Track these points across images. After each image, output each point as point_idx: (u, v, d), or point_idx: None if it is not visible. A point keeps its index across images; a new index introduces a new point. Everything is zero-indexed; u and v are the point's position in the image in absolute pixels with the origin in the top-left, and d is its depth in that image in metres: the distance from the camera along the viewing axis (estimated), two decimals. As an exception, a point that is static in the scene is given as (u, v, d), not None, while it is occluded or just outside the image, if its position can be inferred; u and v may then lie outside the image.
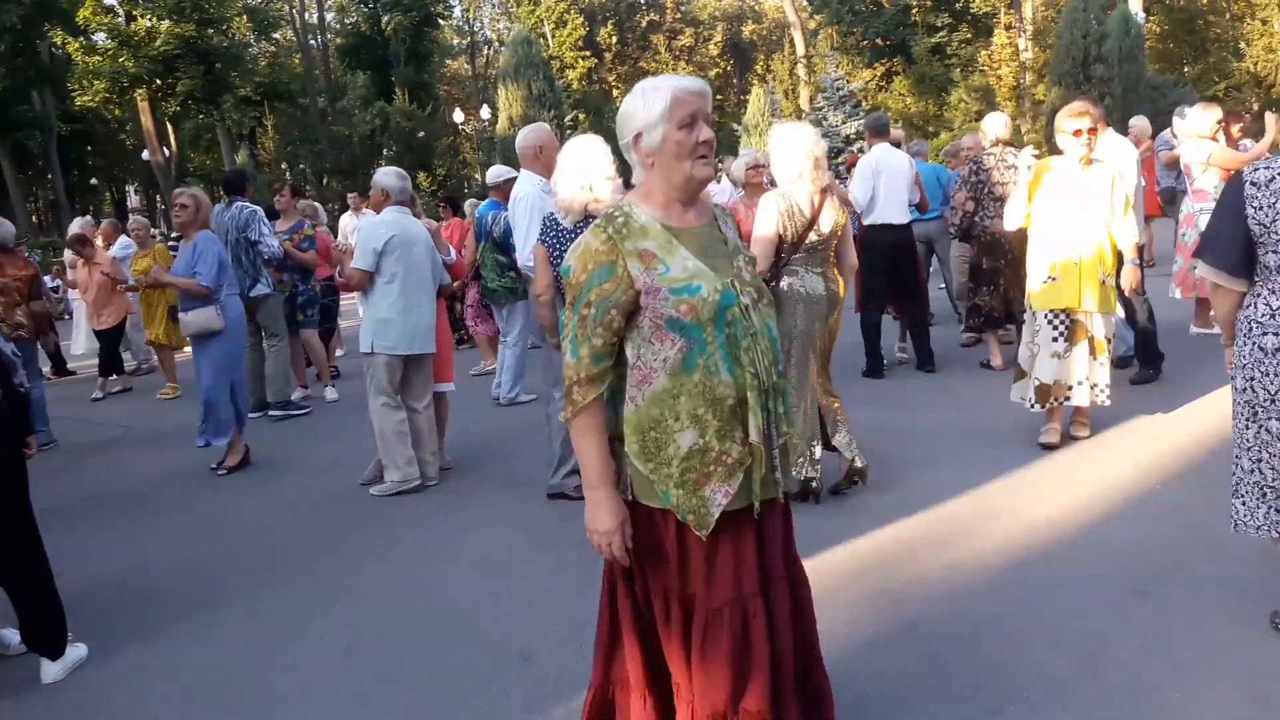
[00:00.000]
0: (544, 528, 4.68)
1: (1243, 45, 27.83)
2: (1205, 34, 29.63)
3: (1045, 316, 4.99)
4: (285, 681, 3.40)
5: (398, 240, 5.31)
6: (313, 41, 47.85)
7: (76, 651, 3.63)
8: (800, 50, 36.28)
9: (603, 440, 2.18)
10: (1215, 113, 6.86)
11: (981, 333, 7.42)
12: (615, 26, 52.85)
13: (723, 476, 2.13)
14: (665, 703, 2.29)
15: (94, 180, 46.82)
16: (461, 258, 9.83)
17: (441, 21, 46.02)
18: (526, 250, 4.80)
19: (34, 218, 38.07)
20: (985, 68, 31.07)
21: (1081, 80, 21.19)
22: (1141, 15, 22.61)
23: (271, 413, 7.89)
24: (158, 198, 49.59)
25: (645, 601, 2.25)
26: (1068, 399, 5.04)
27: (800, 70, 36.10)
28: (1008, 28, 32.24)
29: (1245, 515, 3.00)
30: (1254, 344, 2.84)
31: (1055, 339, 4.99)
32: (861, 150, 11.27)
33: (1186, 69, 23.46)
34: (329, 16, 48.68)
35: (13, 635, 3.71)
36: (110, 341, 10.04)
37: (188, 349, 10.02)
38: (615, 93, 48.81)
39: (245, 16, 34.24)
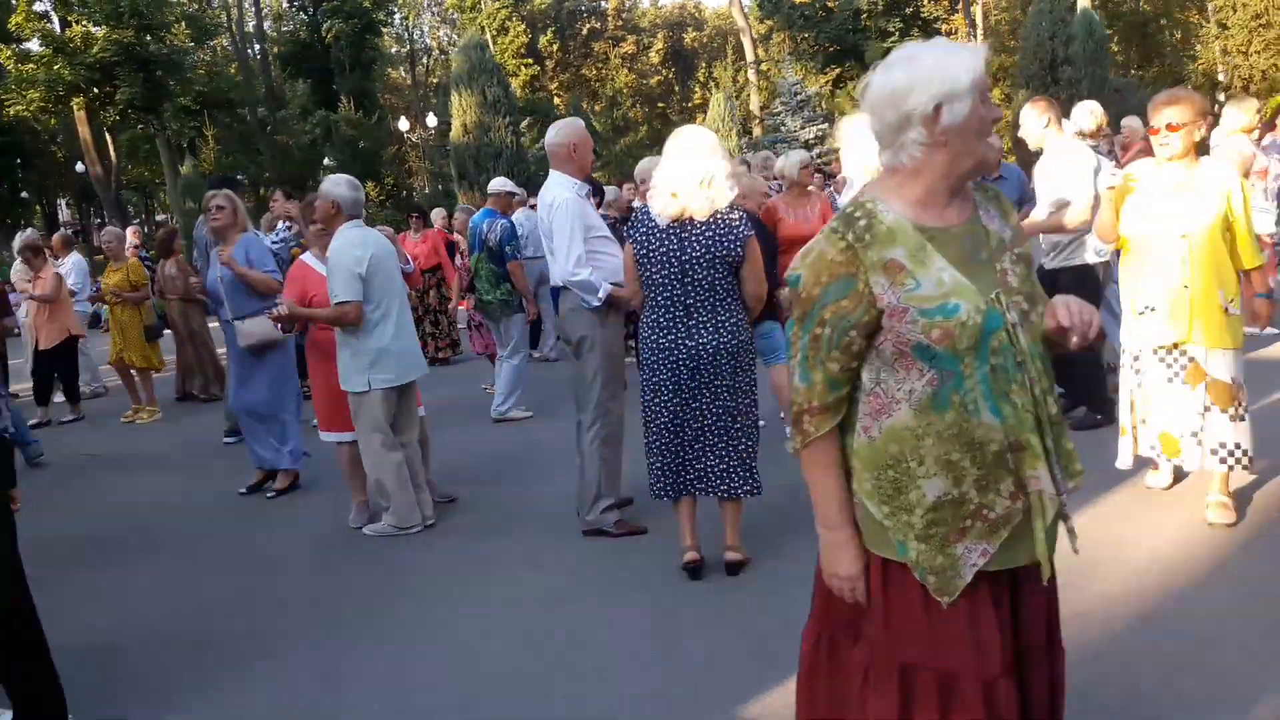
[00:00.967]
0: (586, 571, 4.40)
1: (1198, 48, 28.53)
2: (1158, 38, 30.32)
3: (1151, 354, 4.19)
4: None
5: (376, 259, 4.84)
6: (252, 50, 46.82)
7: None
8: (749, 56, 36.35)
9: (839, 475, 1.90)
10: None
11: None
12: (556, 34, 52.54)
13: (981, 534, 1.81)
14: None
15: (24, 194, 45.20)
16: (454, 269, 9.55)
17: (382, 29, 45.35)
18: (570, 261, 4.50)
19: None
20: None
21: (1049, 83, 21.45)
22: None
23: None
24: (91, 210, 48.13)
25: (860, 664, 1.95)
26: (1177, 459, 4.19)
27: (749, 75, 36.16)
28: (950, 33, 32.67)
29: None
30: None
31: (1170, 379, 4.15)
32: (822, 158, 11.28)
33: (1138, 73, 23.90)
34: (266, 24, 47.68)
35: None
36: (48, 366, 9.23)
37: (159, 373, 9.75)
38: (556, 100, 48.58)
39: (184, 23, 33.24)
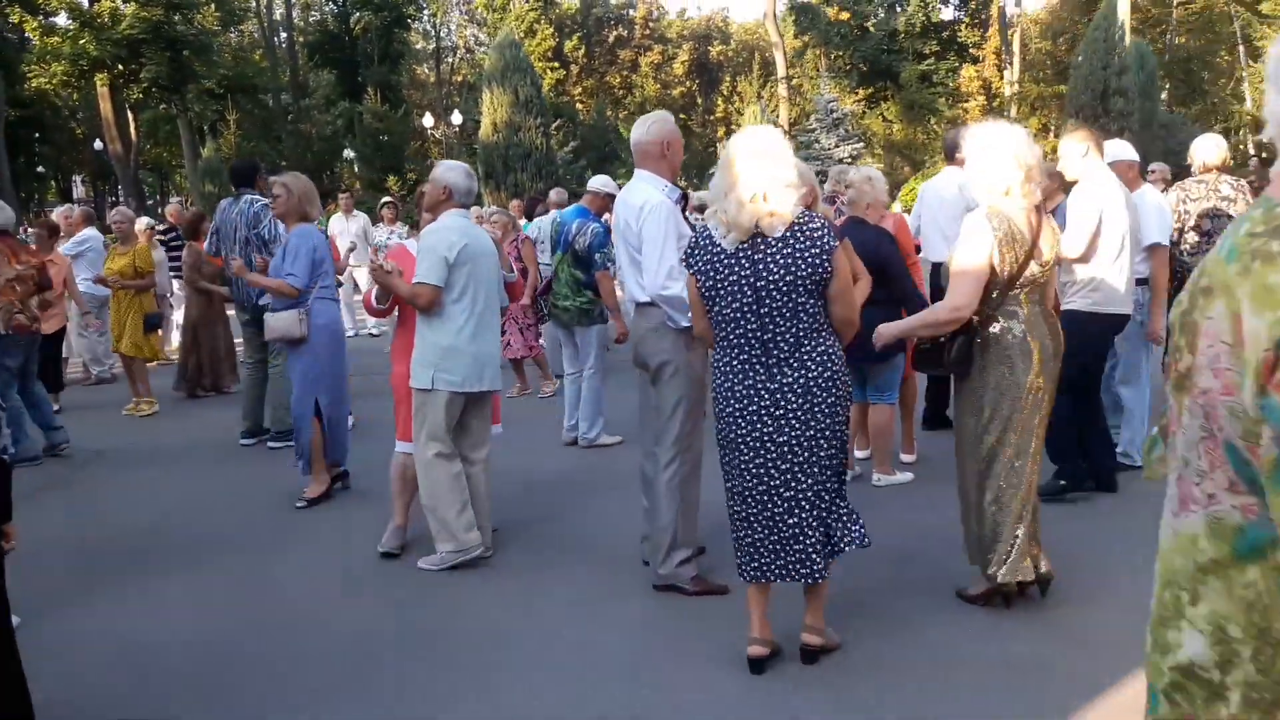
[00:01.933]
0: (652, 637, 3.76)
1: (1245, 88, 27.96)
2: (1201, 74, 29.76)
3: None
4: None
5: (470, 251, 4.43)
6: (278, 38, 46.50)
7: None
8: (781, 71, 35.86)
9: None
10: None
11: None
12: (582, 40, 52.25)
13: None
14: None
15: (41, 169, 44.87)
16: (522, 279, 8.99)
17: (411, 24, 45.02)
18: (663, 274, 3.89)
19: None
20: (967, 96, 30.98)
21: (1100, 113, 20.89)
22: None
23: (270, 443, 6.96)
24: (106, 188, 47.76)
25: None
26: None
27: (781, 90, 35.67)
28: (976, 61, 32.23)
29: None
30: None
31: None
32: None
33: (1182, 109, 23.37)
34: (295, 13, 47.36)
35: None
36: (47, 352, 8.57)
37: (154, 362, 9.15)
38: (580, 106, 48.17)
39: (213, 5, 32.84)
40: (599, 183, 7.24)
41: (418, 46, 52.44)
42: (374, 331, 12.95)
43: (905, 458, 5.93)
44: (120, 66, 29.64)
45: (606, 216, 6.93)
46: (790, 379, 3.19)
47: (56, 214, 9.57)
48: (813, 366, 3.18)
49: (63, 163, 46.79)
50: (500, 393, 4.88)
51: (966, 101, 31.99)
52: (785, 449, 3.21)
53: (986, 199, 3.55)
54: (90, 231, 10.20)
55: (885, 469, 5.53)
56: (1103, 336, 5.06)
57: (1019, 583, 3.65)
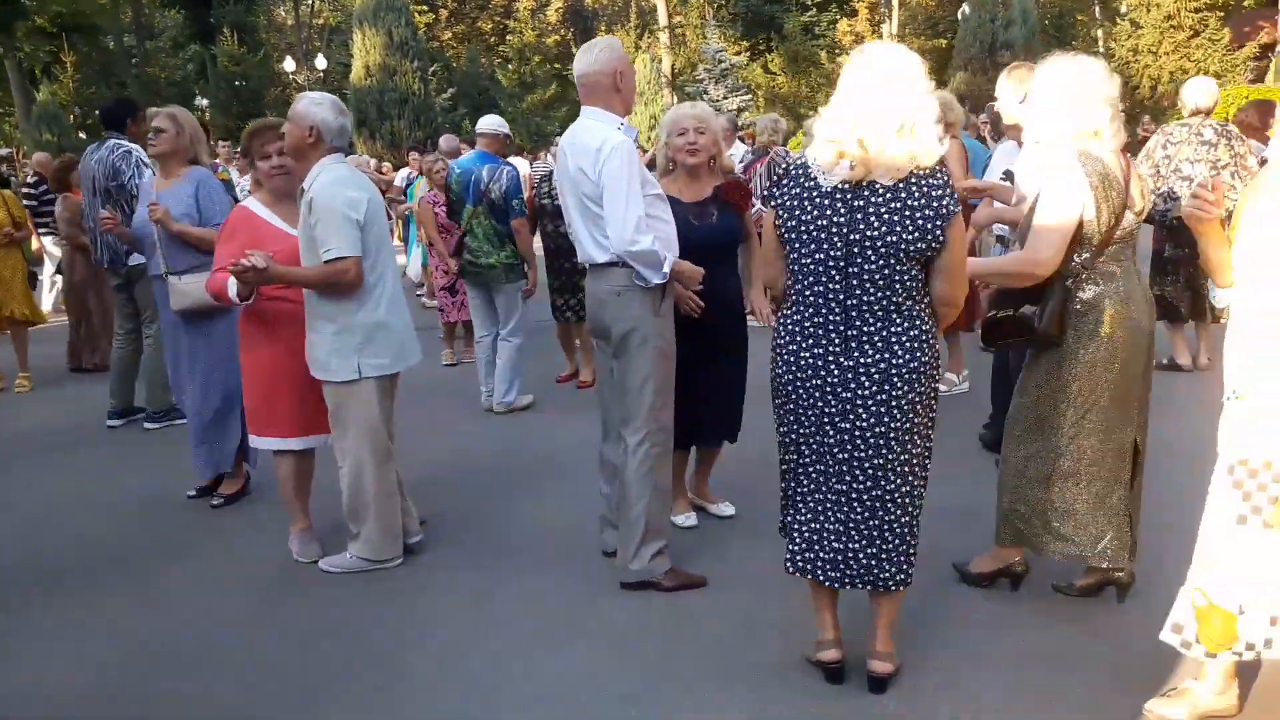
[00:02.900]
0: (639, 646, 3.27)
1: (1112, 44, 28.75)
2: (1074, 32, 30.48)
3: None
4: None
5: (374, 207, 3.74)
6: (118, -29, 42.92)
7: None
8: (663, 20, 35.12)
9: None
10: None
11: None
12: (452, -18, 50.29)
13: None
14: None
15: None
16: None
17: (266, -39, 42.28)
18: (630, 225, 3.37)
19: None
20: (845, 50, 31.01)
21: (988, 66, 20.97)
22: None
23: (147, 424, 6.14)
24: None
25: None
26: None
27: (663, 39, 34.98)
28: (853, 15, 32.32)
29: None
30: None
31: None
32: (744, 128, 10.35)
33: (1053, 63, 23.91)
34: (137, -55, 43.76)
35: None
36: None
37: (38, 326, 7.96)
38: (449, 52, 46.37)
39: (42, -67, 29.87)
40: (493, 123, 6.56)
41: (274, -14, 49.36)
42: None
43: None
44: (-65, 0, 26.63)
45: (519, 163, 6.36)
46: (870, 360, 2.67)
47: None
48: (900, 351, 2.66)
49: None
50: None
51: (843, 55, 31.99)
52: (848, 438, 2.72)
53: (1073, 142, 3.03)
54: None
55: None
56: None
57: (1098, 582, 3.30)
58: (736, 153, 9.54)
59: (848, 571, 2.80)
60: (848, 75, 2.63)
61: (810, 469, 2.82)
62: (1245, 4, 30.15)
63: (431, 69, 24.29)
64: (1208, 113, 6.02)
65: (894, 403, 2.67)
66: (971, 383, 6.03)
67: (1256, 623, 2.48)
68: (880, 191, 2.59)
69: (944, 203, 2.58)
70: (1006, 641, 3.15)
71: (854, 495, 2.76)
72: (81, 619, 3.66)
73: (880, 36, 32.46)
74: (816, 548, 2.84)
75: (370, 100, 21.34)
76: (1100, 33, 30.80)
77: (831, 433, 2.74)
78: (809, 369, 2.73)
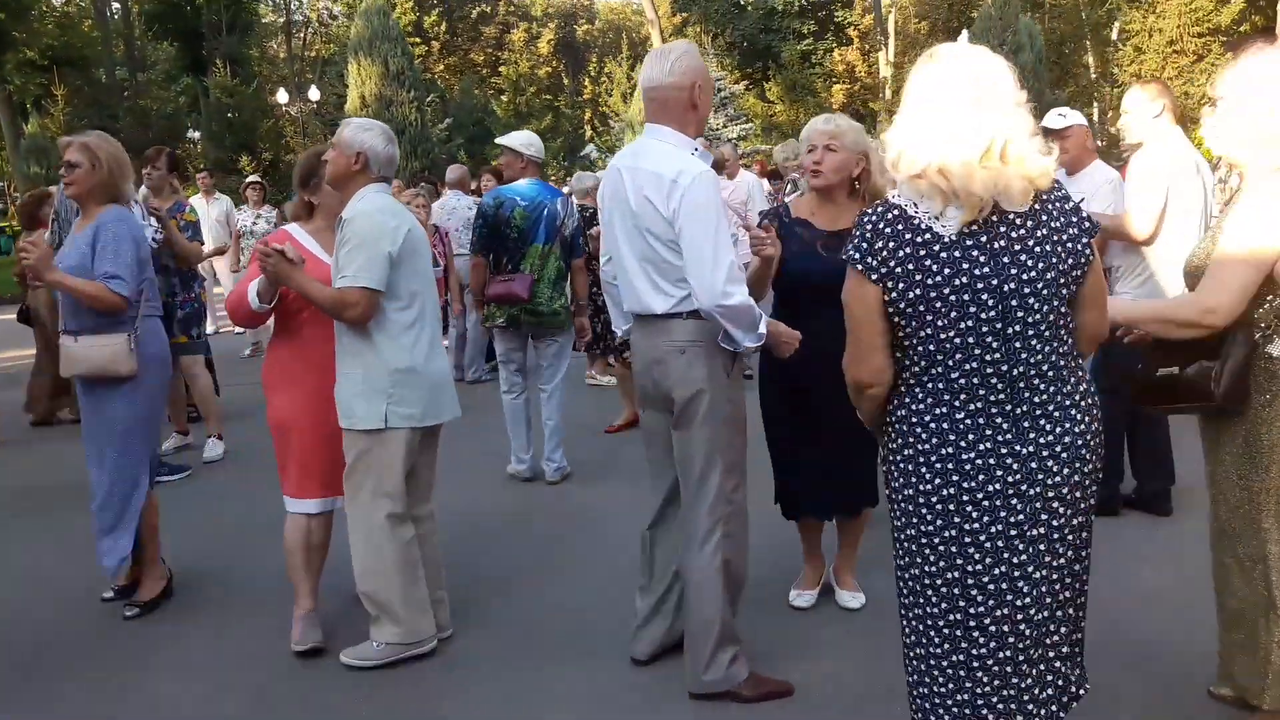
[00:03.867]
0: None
1: (1115, 70, 28.58)
2: (1073, 59, 30.30)
3: None
4: None
5: (413, 240, 3.38)
6: (111, 6, 42.81)
7: None
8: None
9: None
10: None
11: None
12: (443, 15, 50.41)
13: None
14: None
15: None
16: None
17: (259, -5, 42.21)
18: (721, 275, 2.81)
19: None
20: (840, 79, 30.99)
21: None
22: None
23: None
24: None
25: None
26: None
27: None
28: (846, 44, 32.17)
29: None
30: None
31: None
32: (744, 160, 9.95)
33: (1054, 93, 23.65)
34: (128, -21, 43.66)
35: None
36: None
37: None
38: (442, 84, 46.29)
39: (32, -35, 29.62)
40: (528, 141, 5.53)
41: (266, 20, 49.32)
42: (245, 352, 10.40)
43: None
44: (-76, 33, 26.30)
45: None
46: (1052, 435, 2.10)
47: None
48: (1078, 416, 2.11)
49: None
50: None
51: (838, 84, 31.87)
52: (1043, 547, 2.12)
53: (1270, 160, 2.47)
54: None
55: None
56: None
57: None
58: (745, 181, 9.20)
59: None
60: (921, 87, 2.08)
61: (985, 618, 2.13)
62: (1242, 29, 30.11)
63: (429, 98, 23.90)
64: None
65: (1085, 482, 2.13)
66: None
67: None
68: (1016, 222, 2.05)
69: (1080, 214, 2.10)
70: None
71: (1048, 626, 2.16)
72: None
73: (875, 65, 32.35)
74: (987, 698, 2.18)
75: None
76: (1096, 59, 30.70)
77: (1022, 547, 2.10)
78: (980, 474, 2.08)
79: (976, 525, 2.09)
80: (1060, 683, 2.21)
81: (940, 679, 2.18)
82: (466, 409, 3.71)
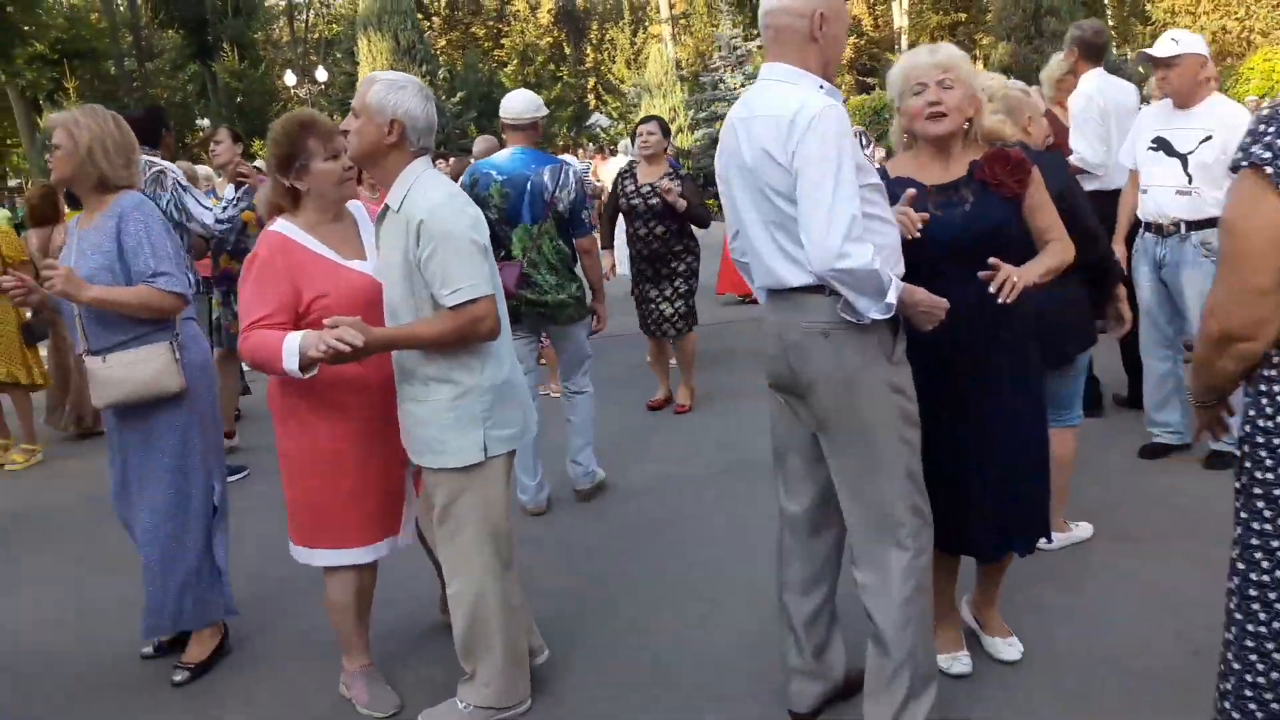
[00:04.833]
0: None
1: (1148, 6, 28.10)
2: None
3: None
4: None
5: (486, 228, 2.92)
6: (113, -4, 42.71)
7: None
8: (665, 12, 34.64)
9: None
10: None
11: None
12: (441, -11, 50.05)
13: None
14: None
15: None
16: None
17: (260, -23, 41.97)
18: (838, 231, 2.32)
19: None
20: (854, 31, 30.51)
21: (1033, 34, 20.31)
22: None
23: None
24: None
25: None
26: None
27: (665, 31, 34.46)
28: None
29: None
30: None
31: None
32: None
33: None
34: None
35: None
36: None
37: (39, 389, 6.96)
38: (443, 59, 46.12)
39: (38, -42, 29.66)
40: (528, 103, 4.72)
41: (269, 3, 49.15)
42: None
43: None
44: (-65, 31, 26.39)
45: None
46: None
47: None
48: None
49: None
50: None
51: (852, 36, 31.42)
52: None
53: None
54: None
55: (1060, 522, 3.87)
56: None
57: None
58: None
59: None
60: None
61: None
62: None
63: (439, 73, 23.86)
64: None
65: None
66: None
67: None
68: None
69: None
70: None
71: None
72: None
73: (883, 16, 31.92)
74: None
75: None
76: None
77: None
78: None
79: None
80: None
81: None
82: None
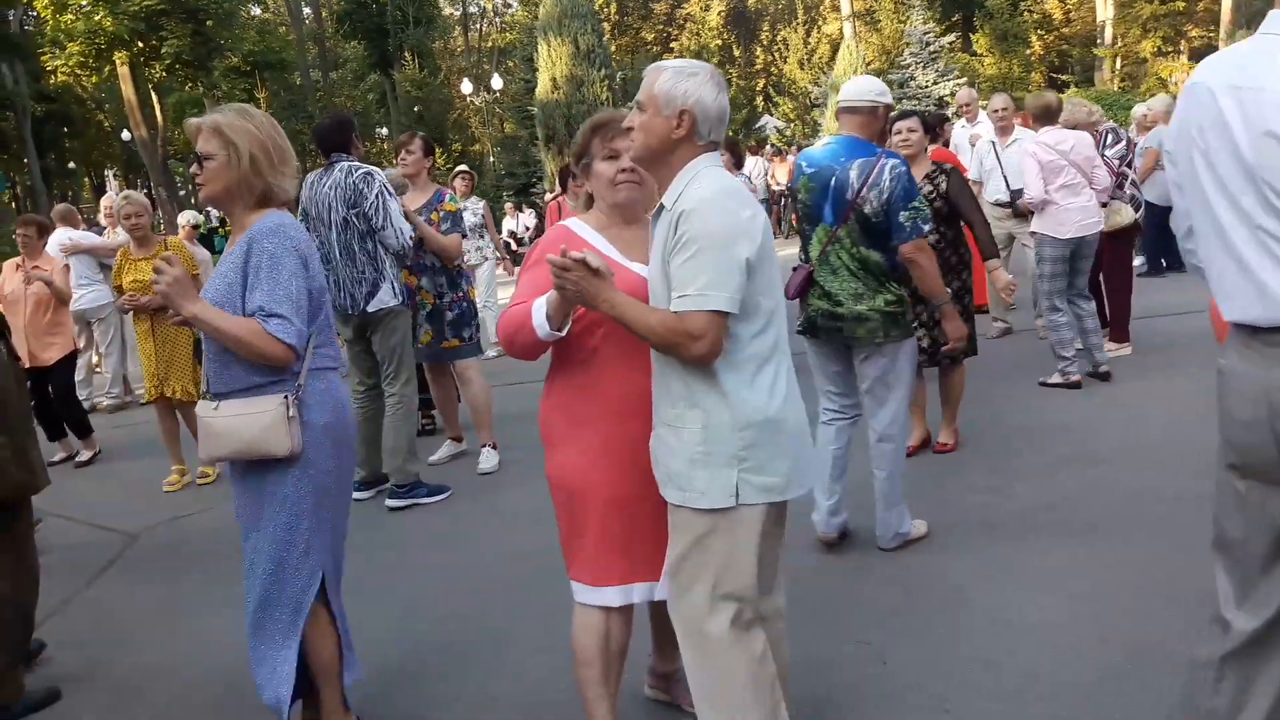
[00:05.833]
0: None
1: None
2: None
3: None
4: None
5: (768, 239, 2.36)
6: (304, 10, 44.75)
7: None
8: (846, 9, 33.09)
9: None
10: None
11: None
12: (613, -6, 50.23)
13: None
14: None
15: (71, 164, 43.59)
16: None
17: (438, -12, 43.02)
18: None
19: (12, 204, 34.82)
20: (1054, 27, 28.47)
21: None
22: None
23: (389, 501, 4.98)
24: (138, 181, 46.31)
25: None
26: None
27: (844, 28, 32.93)
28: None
29: None
30: None
31: None
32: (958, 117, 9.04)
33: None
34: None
35: None
36: (63, 387, 6.89)
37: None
38: (615, 65, 46.05)
39: (236, -26, 31.04)
40: (865, 87, 3.97)
41: (445, 13, 50.54)
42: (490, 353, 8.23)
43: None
44: (140, 43, 27.74)
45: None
46: None
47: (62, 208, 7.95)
48: None
49: (93, 157, 45.42)
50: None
51: (1048, 34, 29.28)
52: None
53: None
54: (74, 232, 8.39)
55: None
56: None
57: None
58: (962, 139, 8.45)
59: None
60: None
61: None
62: None
63: (618, 76, 23.22)
64: None
65: None
66: None
67: None
68: None
69: None
70: None
71: None
72: None
73: (1077, 9, 29.54)
74: None
75: (558, 114, 20.33)
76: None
77: None
78: None
79: None
80: None
81: None
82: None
